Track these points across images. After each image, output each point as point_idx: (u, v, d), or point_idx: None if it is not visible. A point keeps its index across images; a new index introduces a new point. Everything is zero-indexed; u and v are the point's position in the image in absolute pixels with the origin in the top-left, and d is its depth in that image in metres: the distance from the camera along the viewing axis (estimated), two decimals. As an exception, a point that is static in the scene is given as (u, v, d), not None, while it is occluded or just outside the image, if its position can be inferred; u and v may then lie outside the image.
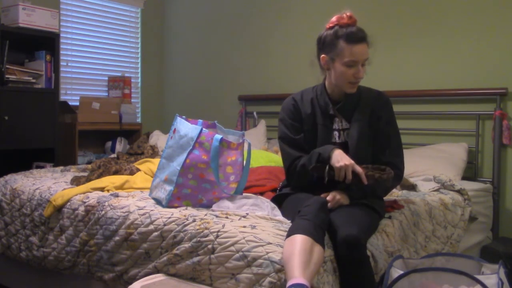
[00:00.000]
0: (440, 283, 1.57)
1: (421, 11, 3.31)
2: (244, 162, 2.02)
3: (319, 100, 1.98)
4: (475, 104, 3.08)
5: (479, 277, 1.51)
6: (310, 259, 1.43)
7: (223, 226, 1.66)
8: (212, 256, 1.61)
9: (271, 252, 1.51)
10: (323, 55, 1.91)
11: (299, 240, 1.46)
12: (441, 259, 1.78)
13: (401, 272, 1.60)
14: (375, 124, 1.95)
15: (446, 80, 3.19)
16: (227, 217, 1.76)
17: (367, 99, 1.98)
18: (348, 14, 1.87)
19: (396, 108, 3.36)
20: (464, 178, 2.93)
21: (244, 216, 1.77)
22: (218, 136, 1.92)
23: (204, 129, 1.95)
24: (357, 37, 1.82)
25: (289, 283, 1.37)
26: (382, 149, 1.94)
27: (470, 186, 2.70)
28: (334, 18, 1.89)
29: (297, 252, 1.43)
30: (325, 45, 1.90)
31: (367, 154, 1.93)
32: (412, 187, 2.52)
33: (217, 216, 1.76)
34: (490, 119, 3.01)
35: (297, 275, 1.37)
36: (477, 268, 1.70)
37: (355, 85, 1.90)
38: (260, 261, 1.50)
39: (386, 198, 2.07)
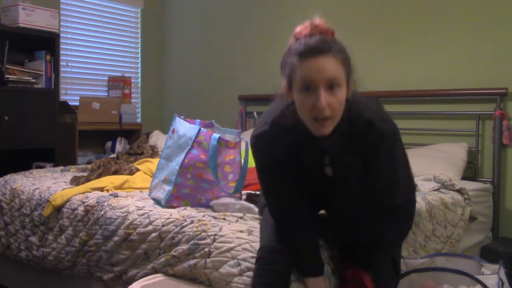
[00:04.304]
0: (440, 283, 1.57)
1: (421, 11, 3.30)
2: (242, 161, 2.02)
3: (298, 138, 1.45)
4: (475, 104, 3.07)
5: (480, 277, 1.51)
6: None
7: (220, 229, 1.65)
8: (208, 260, 1.60)
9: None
10: (283, 83, 1.37)
11: None
12: (441, 259, 1.78)
13: (402, 272, 1.60)
14: (371, 162, 1.46)
15: (446, 80, 3.18)
16: (224, 219, 1.75)
17: (356, 130, 1.42)
18: (314, 21, 1.34)
19: (396, 108, 3.39)
20: (464, 178, 2.93)
21: (241, 217, 1.77)
22: (216, 135, 1.91)
23: (202, 128, 1.95)
24: (311, 48, 1.27)
25: None
26: (388, 197, 1.50)
27: (470, 186, 2.69)
28: (296, 29, 1.35)
29: None
30: (282, 69, 1.37)
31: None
32: (412, 187, 2.51)
33: (214, 218, 1.76)
34: (490, 119, 3.01)
35: None
36: (477, 268, 1.70)
37: (324, 123, 1.30)
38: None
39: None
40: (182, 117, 2.08)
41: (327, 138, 1.36)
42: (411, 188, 1.59)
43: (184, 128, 1.99)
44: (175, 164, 1.93)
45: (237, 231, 1.64)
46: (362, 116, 1.39)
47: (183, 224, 1.73)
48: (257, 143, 1.48)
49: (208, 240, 1.63)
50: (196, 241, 1.66)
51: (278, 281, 1.40)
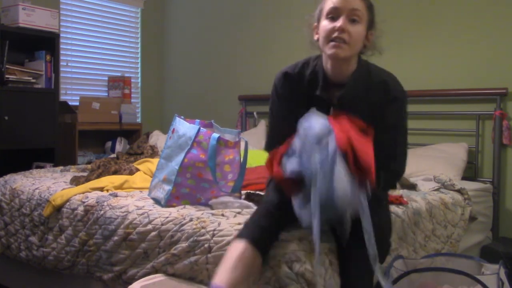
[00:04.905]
0: (440, 283, 1.57)
1: (421, 11, 3.30)
2: (241, 160, 2.02)
3: (314, 78, 1.65)
4: (475, 104, 3.07)
5: (480, 277, 1.51)
6: (240, 266, 1.39)
7: (219, 224, 1.67)
8: (209, 255, 1.61)
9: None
10: (314, 24, 1.62)
11: (239, 247, 1.42)
12: (441, 259, 1.78)
13: (402, 272, 1.60)
14: (378, 121, 1.56)
15: (446, 80, 3.18)
16: (222, 215, 1.76)
17: (370, 86, 1.59)
18: None
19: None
20: (464, 178, 2.93)
21: (239, 212, 1.78)
22: (216, 135, 1.92)
23: (202, 128, 1.95)
24: None
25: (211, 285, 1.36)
26: (384, 159, 1.55)
27: (470, 186, 2.69)
28: None
29: (229, 257, 1.41)
30: (315, 15, 1.62)
31: None
32: (412, 187, 2.52)
33: (213, 214, 1.77)
34: (490, 119, 3.01)
35: (217, 278, 1.36)
36: (477, 268, 1.70)
37: (339, 45, 1.50)
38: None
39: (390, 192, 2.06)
40: (182, 117, 2.09)
41: (340, 83, 1.56)
42: (405, 157, 1.64)
43: (184, 128, 2.00)
44: (174, 164, 1.93)
45: (235, 224, 1.65)
46: (379, 76, 1.59)
47: (182, 223, 1.74)
48: (280, 76, 1.72)
49: (208, 236, 1.64)
50: (195, 238, 1.66)
51: (271, 227, 1.49)
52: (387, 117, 1.55)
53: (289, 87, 1.67)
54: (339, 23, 1.49)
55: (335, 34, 1.49)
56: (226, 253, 1.46)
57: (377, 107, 1.57)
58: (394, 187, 1.80)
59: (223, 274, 1.37)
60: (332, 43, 1.50)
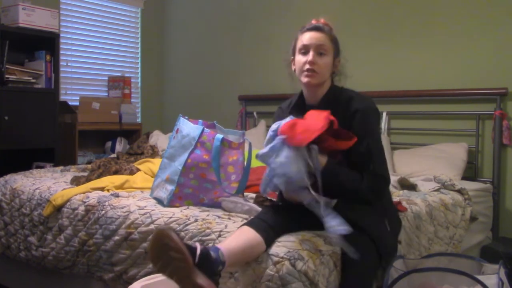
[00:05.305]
0: (441, 283, 1.57)
1: (421, 11, 3.30)
2: (245, 161, 2.02)
3: (295, 104, 1.90)
4: (475, 104, 3.08)
5: (480, 277, 1.52)
6: (236, 239, 1.51)
7: (226, 226, 1.67)
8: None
9: (269, 248, 1.52)
10: (291, 58, 1.89)
11: (243, 230, 1.56)
12: (442, 259, 1.78)
13: (402, 272, 1.60)
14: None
15: (446, 80, 3.18)
16: (229, 218, 1.76)
17: (338, 104, 1.79)
18: (319, 18, 1.86)
19: (397, 108, 3.39)
20: (464, 178, 2.93)
21: (246, 219, 1.77)
22: (220, 136, 1.92)
23: (206, 128, 1.95)
24: (310, 26, 1.82)
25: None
26: (363, 167, 1.72)
27: (470, 186, 2.69)
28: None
29: (235, 236, 1.53)
30: (291, 48, 1.89)
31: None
32: (412, 187, 2.52)
33: (219, 217, 1.76)
34: (490, 119, 3.01)
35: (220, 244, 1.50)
36: (477, 269, 1.70)
37: (311, 74, 1.77)
38: (259, 258, 1.51)
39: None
40: (186, 117, 2.09)
41: (315, 104, 1.82)
42: (383, 160, 1.76)
43: (188, 128, 2.00)
44: (178, 164, 1.94)
45: None
46: (347, 95, 1.81)
47: (187, 223, 1.74)
48: (276, 109, 2.01)
49: (213, 236, 1.64)
50: (200, 237, 1.66)
51: (273, 222, 1.59)
52: (355, 128, 1.72)
53: (281, 116, 1.86)
54: (309, 57, 1.76)
55: (307, 67, 1.77)
56: None
57: (346, 121, 1.72)
58: (382, 193, 1.77)
59: (222, 242, 1.51)
60: (305, 73, 1.78)
